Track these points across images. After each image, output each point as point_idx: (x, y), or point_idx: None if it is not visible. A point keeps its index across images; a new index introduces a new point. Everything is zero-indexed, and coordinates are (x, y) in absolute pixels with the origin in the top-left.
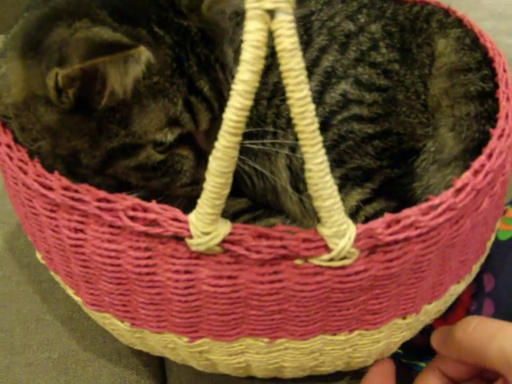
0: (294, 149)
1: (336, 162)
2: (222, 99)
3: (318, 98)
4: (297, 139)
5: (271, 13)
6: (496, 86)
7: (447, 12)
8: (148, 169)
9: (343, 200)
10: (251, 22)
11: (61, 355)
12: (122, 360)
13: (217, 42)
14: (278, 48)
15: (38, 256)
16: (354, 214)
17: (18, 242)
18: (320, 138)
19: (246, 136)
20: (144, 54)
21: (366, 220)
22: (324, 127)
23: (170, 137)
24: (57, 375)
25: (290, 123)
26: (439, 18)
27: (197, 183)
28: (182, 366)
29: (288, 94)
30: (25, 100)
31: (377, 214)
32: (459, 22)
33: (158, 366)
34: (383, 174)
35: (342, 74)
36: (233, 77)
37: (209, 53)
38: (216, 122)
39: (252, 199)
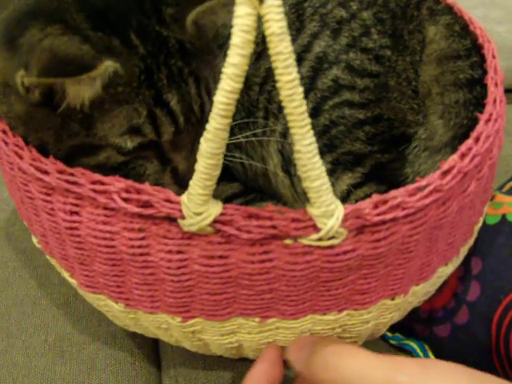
0: (285, 134)
1: (327, 147)
2: (190, 113)
3: (310, 84)
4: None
5: None
6: (485, 73)
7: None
8: (108, 169)
9: (334, 184)
10: (240, 6)
11: (57, 338)
12: (116, 342)
13: (195, 54)
14: (267, 32)
15: (34, 240)
16: (344, 198)
17: (13, 229)
18: (308, 120)
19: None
20: (107, 70)
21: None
22: (315, 113)
23: (129, 144)
24: (53, 357)
25: (281, 108)
26: (429, 5)
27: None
28: (176, 348)
29: (277, 77)
30: (1, 86)
31: (368, 197)
32: (449, 9)
33: (153, 348)
34: (374, 158)
35: (333, 59)
36: (208, 92)
37: (183, 65)
38: (182, 134)
39: (244, 184)
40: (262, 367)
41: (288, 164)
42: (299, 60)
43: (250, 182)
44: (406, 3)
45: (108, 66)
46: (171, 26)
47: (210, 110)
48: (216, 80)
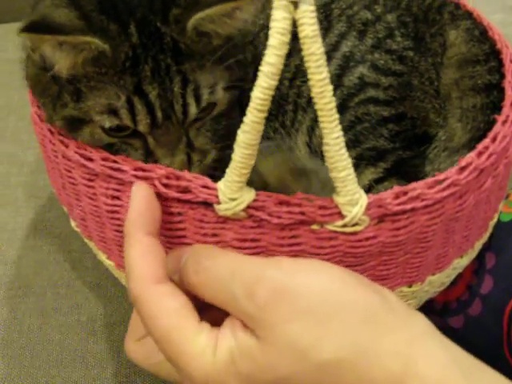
0: (313, 127)
1: (352, 143)
2: (170, 110)
3: (337, 81)
4: (315, 117)
5: (295, 3)
6: (502, 77)
7: (458, 5)
8: (96, 145)
9: (357, 178)
10: (277, 11)
11: (89, 318)
12: None
13: (191, 57)
14: (301, 35)
15: (72, 224)
16: (366, 193)
17: (49, 215)
18: (337, 116)
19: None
20: (86, 44)
21: None
22: (342, 109)
23: (107, 123)
24: (85, 336)
25: (309, 103)
26: (451, 9)
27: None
28: None
29: (309, 76)
30: (28, 53)
31: None
32: (469, 15)
33: None
34: (396, 155)
35: (359, 58)
36: (196, 96)
37: (172, 63)
38: (160, 129)
39: None
40: (138, 200)
41: (315, 156)
42: (328, 58)
43: None
44: (427, 7)
45: (83, 40)
46: (172, 26)
47: (197, 116)
48: (213, 89)
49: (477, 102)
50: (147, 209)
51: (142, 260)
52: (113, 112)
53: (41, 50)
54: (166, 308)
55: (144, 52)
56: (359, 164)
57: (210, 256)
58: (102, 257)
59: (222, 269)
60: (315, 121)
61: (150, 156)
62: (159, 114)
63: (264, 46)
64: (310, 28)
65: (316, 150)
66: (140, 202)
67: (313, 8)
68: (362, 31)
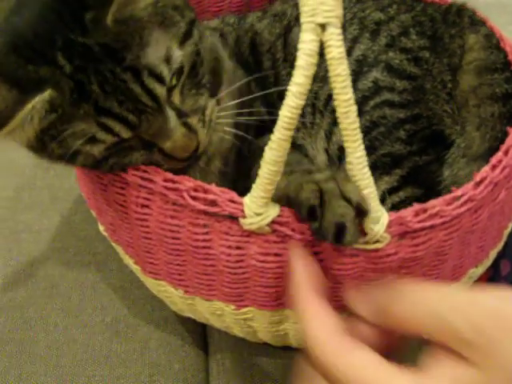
0: (331, 132)
1: (367, 149)
2: (140, 105)
3: (352, 85)
4: (333, 122)
5: (323, 26)
6: None
7: (475, 11)
8: (90, 166)
9: None
10: (305, 33)
11: (113, 319)
12: (168, 326)
13: (127, 48)
14: (328, 56)
15: (101, 228)
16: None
17: (75, 217)
18: (360, 135)
19: None
20: (34, 107)
21: (393, 207)
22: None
23: (96, 150)
24: (109, 336)
25: (326, 106)
26: (470, 14)
27: (156, 164)
28: (223, 334)
29: (334, 96)
30: None
31: (403, 202)
32: (485, 23)
33: (201, 333)
34: (412, 161)
35: (372, 61)
36: (156, 76)
37: (114, 66)
38: (143, 124)
39: None
40: (300, 264)
41: (332, 165)
42: None
43: None
44: (445, 10)
45: (29, 108)
46: (93, 32)
47: (166, 91)
48: (169, 56)
49: (494, 111)
50: (310, 271)
51: (318, 321)
52: (92, 139)
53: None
54: (364, 360)
55: (83, 74)
56: (373, 173)
57: (411, 289)
58: (130, 261)
59: (429, 298)
60: (333, 125)
61: (151, 146)
62: (131, 116)
63: (281, 54)
64: (336, 50)
65: (333, 158)
66: (302, 265)
67: (339, 31)
68: (375, 31)
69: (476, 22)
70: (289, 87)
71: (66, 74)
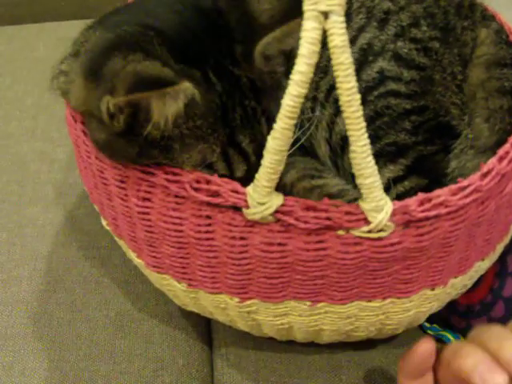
0: (333, 122)
1: (371, 138)
2: (261, 150)
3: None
4: (335, 113)
5: (325, 14)
6: None
7: (486, 7)
8: None
9: None
10: (308, 21)
11: (117, 314)
12: (172, 321)
13: (266, 91)
14: (331, 44)
15: (103, 223)
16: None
17: (78, 212)
18: (364, 124)
19: None
20: (188, 90)
21: (398, 197)
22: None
23: (200, 172)
24: (113, 331)
25: (327, 97)
26: (482, 9)
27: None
28: (227, 328)
29: (337, 85)
30: (83, 113)
31: (408, 192)
32: (496, 19)
33: (205, 327)
34: (417, 150)
35: (379, 49)
36: None
37: (256, 105)
38: (252, 170)
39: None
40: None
41: (335, 155)
42: None
43: None
44: (458, 4)
45: (188, 86)
46: (242, 65)
47: None
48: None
49: (503, 104)
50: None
51: None
52: (208, 165)
53: (132, 110)
54: None
55: (230, 99)
56: (378, 161)
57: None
58: (132, 255)
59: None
60: (335, 115)
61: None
62: (253, 159)
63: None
64: (339, 38)
65: (336, 149)
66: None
67: (342, 19)
68: (384, 20)
69: (487, 17)
70: (291, 76)
71: (217, 90)
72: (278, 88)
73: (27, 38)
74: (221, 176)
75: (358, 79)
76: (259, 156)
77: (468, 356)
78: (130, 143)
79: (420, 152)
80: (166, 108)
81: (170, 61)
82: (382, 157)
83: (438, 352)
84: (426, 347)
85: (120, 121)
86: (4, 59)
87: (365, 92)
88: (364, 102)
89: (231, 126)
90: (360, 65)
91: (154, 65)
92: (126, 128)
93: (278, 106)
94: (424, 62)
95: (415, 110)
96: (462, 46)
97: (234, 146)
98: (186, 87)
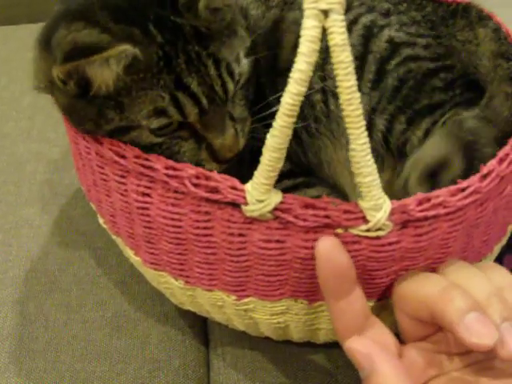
0: None
1: (401, 109)
2: (212, 93)
3: (363, 49)
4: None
5: (325, 12)
6: None
7: (481, 9)
8: (141, 146)
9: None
10: (308, 20)
11: (113, 314)
12: (169, 321)
13: (213, 37)
14: (331, 43)
15: (100, 221)
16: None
17: (74, 212)
18: (363, 122)
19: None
20: (123, 52)
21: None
22: (380, 75)
23: (155, 124)
24: (109, 332)
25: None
26: (477, 10)
27: (198, 164)
28: (224, 328)
29: (337, 83)
30: (46, 85)
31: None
32: (491, 18)
33: (202, 327)
34: (453, 102)
35: (383, 23)
36: (230, 72)
37: (201, 50)
38: (208, 114)
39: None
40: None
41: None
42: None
43: (303, 165)
44: (454, 8)
45: (122, 49)
46: (185, 15)
47: (234, 90)
48: (238, 60)
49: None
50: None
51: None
52: (160, 112)
53: (77, 76)
54: None
55: (172, 48)
56: (412, 122)
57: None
58: (130, 253)
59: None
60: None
61: (200, 141)
62: (204, 101)
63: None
64: (339, 37)
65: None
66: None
67: (342, 17)
68: (385, 14)
69: (483, 17)
70: (291, 74)
71: (157, 42)
72: (234, 36)
73: (23, 39)
74: (181, 124)
75: (370, 51)
76: (211, 100)
77: (456, 298)
78: (89, 104)
79: (456, 102)
80: (103, 72)
81: (109, 24)
82: (417, 116)
83: (402, 278)
84: (325, 244)
85: (71, 86)
86: (0, 59)
87: (382, 62)
88: (385, 73)
89: (176, 72)
90: (366, 39)
91: (91, 33)
92: (79, 91)
93: (233, 52)
94: (435, 33)
95: (441, 68)
96: (466, 41)
97: (183, 89)
98: (120, 50)
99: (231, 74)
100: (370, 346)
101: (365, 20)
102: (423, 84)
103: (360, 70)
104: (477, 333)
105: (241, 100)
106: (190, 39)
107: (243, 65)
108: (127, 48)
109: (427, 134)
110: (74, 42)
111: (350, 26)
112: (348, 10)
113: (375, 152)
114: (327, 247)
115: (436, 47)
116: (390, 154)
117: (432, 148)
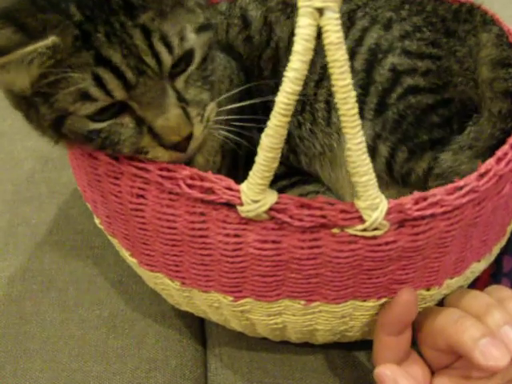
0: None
1: (402, 142)
2: (142, 65)
3: (367, 78)
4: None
5: (320, 10)
6: None
7: (485, 11)
8: (80, 136)
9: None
10: (303, 18)
11: (110, 314)
12: (166, 321)
13: (145, 8)
14: (326, 41)
15: (96, 221)
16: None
17: (72, 211)
18: (359, 122)
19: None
20: (34, 51)
21: None
22: (382, 107)
23: (84, 110)
24: (106, 331)
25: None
26: (481, 13)
27: (141, 152)
28: (221, 328)
29: (333, 82)
30: None
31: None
32: (495, 22)
33: (199, 327)
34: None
35: (387, 47)
36: (167, 44)
37: (126, 19)
38: (138, 88)
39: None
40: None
41: None
42: (352, 55)
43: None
44: (455, 10)
45: (30, 49)
46: None
47: (173, 63)
48: (182, 33)
49: (503, 108)
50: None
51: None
52: (84, 95)
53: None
54: None
55: (92, 24)
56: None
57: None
58: (126, 254)
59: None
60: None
61: (140, 123)
62: (129, 74)
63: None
64: (334, 35)
65: None
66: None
67: (337, 16)
68: (387, 25)
69: (488, 22)
70: (285, 73)
71: (74, 21)
72: (179, 7)
73: None
74: (120, 106)
75: (373, 81)
76: (140, 72)
77: (469, 328)
78: (23, 101)
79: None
80: (19, 75)
81: (27, 18)
82: (417, 150)
83: (421, 314)
84: (408, 296)
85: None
86: None
87: (384, 95)
88: (386, 106)
89: (95, 47)
90: (370, 65)
91: (4, 33)
92: (7, 95)
93: (174, 24)
94: (436, 52)
95: (440, 103)
96: (469, 47)
97: (104, 64)
98: (27, 52)
99: (167, 44)
100: (396, 371)
101: (370, 41)
102: (422, 121)
103: (362, 99)
104: (491, 356)
105: (196, 81)
106: (117, 10)
107: (190, 39)
108: (40, 45)
109: (430, 170)
110: None
111: (355, 47)
112: (352, 22)
113: (379, 178)
114: (411, 300)
115: (435, 73)
116: (395, 180)
117: None
